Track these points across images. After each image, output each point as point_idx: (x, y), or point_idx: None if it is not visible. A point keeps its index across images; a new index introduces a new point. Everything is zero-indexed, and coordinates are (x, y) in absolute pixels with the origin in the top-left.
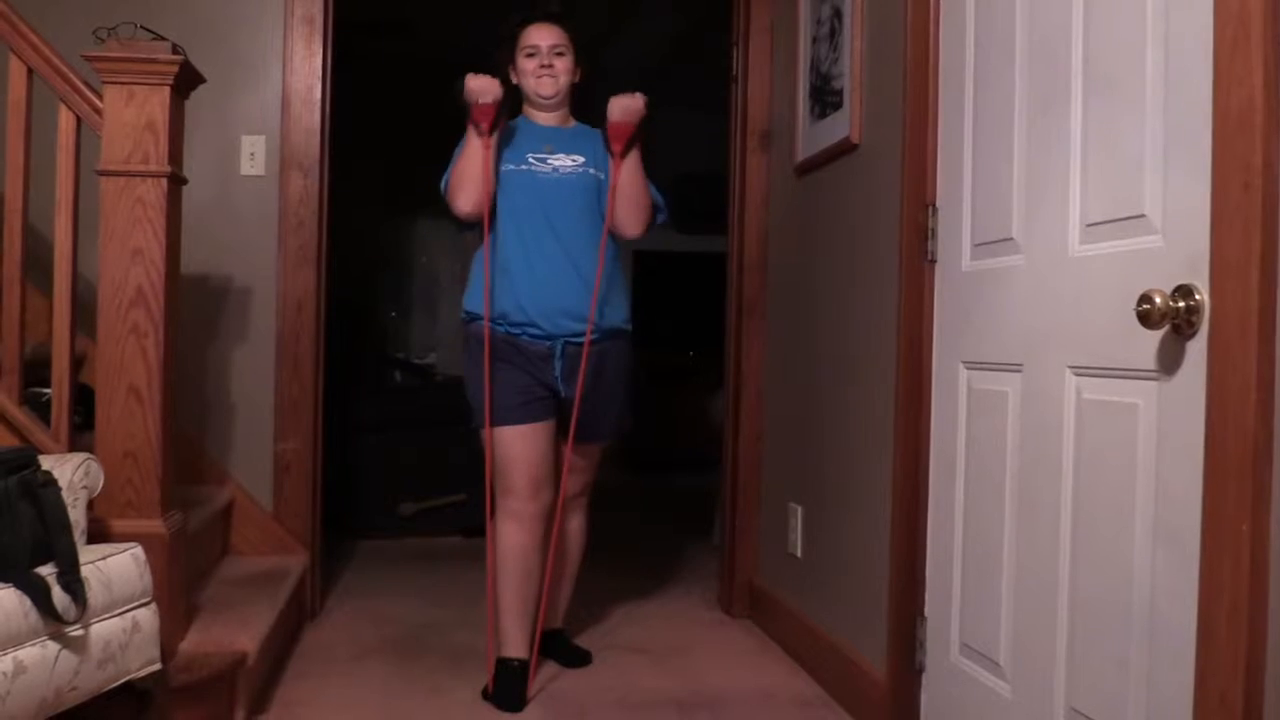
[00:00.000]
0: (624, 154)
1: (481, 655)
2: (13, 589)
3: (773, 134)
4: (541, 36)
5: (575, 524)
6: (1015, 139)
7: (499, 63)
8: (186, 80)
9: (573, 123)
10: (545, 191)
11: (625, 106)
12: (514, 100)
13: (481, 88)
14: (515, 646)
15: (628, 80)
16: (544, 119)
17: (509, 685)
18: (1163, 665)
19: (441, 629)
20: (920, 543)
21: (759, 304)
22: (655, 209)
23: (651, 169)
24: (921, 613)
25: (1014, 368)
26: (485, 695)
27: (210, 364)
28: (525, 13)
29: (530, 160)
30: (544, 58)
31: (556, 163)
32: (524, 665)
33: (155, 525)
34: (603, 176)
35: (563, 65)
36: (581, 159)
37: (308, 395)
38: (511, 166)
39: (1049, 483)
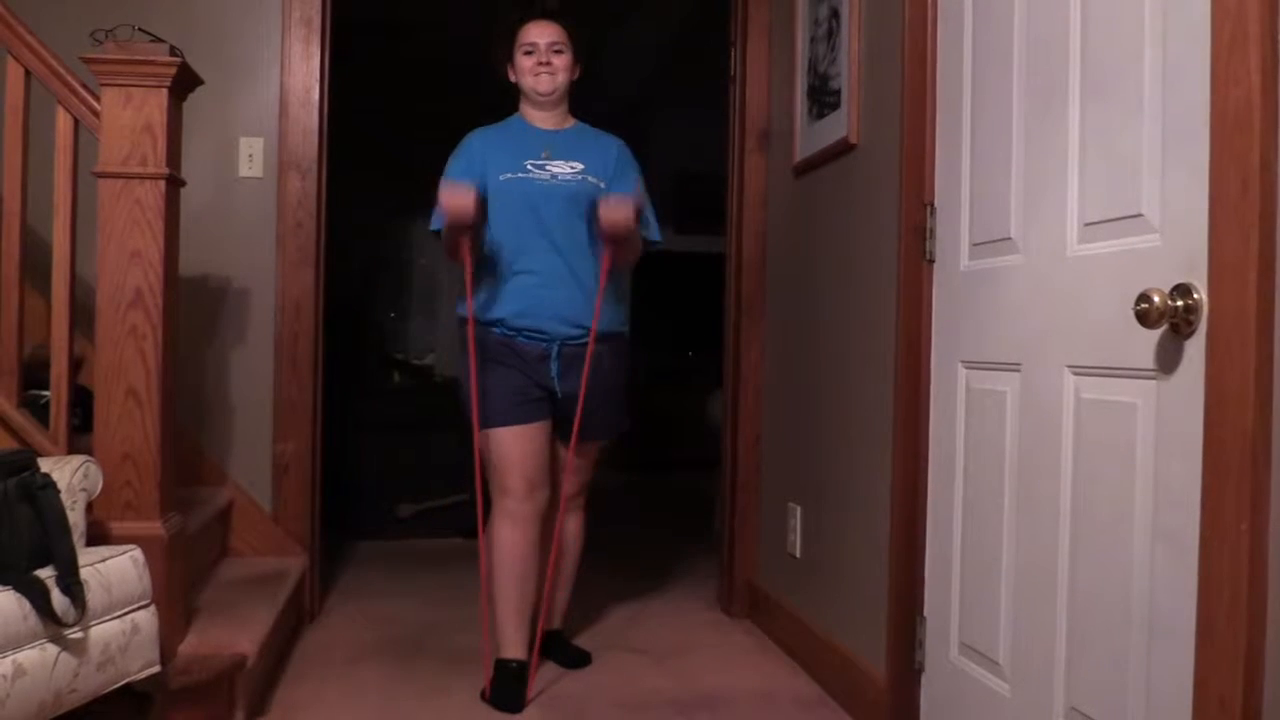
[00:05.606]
0: (618, 252)
1: (480, 656)
2: (12, 592)
3: (771, 134)
4: (539, 34)
5: (573, 525)
6: (1013, 138)
7: (496, 60)
8: (184, 82)
9: (571, 122)
10: (542, 199)
11: (613, 221)
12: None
13: (456, 210)
14: (514, 648)
15: (626, 80)
16: (541, 119)
17: (507, 686)
18: (1162, 664)
19: (440, 630)
20: (919, 542)
21: (757, 304)
22: (649, 243)
23: (651, 170)
24: (921, 612)
25: (1012, 367)
26: (483, 697)
27: (209, 365)
28: (523, 9)
29: (528, 167)
30: (542, 55)
31: (555, 169)
32: (523, 666)
33: (154, 527)
34: (603, 185)
35: (561, 62)
36: (580, 166)
37: (306, 396)
38: (509, 175)
39: (1048, 482)
